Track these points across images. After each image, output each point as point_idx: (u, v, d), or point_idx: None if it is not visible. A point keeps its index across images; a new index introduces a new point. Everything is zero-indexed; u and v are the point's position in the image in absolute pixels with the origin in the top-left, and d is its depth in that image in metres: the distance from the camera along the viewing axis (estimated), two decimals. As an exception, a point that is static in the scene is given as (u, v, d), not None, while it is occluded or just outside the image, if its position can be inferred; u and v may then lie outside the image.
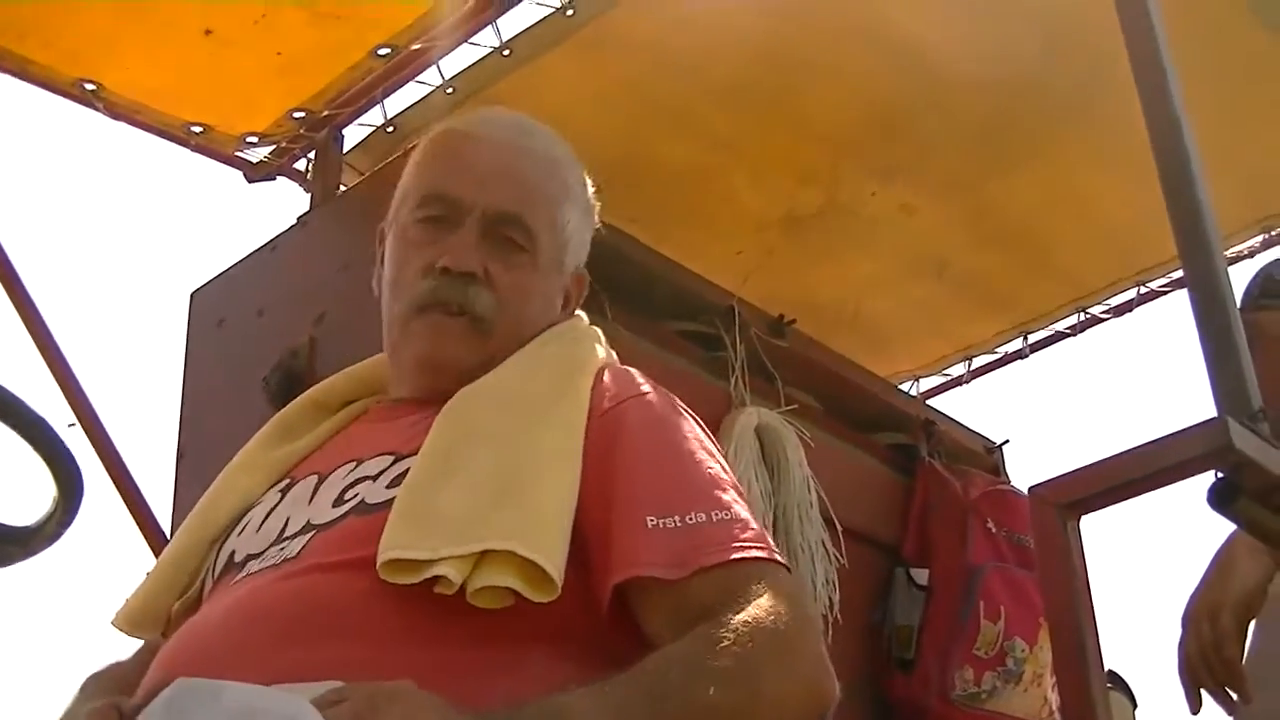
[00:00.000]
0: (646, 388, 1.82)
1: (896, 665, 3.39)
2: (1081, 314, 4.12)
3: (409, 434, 1.79)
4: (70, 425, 2.95)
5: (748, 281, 3.40)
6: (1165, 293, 3.96)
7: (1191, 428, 1.90)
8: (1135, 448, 1.93)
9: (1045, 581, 1.97)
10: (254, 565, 1.72)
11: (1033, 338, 4.21)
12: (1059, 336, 4.19)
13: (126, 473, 3.12)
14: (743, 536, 1.64)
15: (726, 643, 1.50)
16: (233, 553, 1.81)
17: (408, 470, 1.70)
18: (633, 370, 1.88)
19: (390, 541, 1.57)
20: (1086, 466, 1.95)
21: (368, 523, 1.65)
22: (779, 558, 1.65)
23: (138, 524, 3.08)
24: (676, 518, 1.63)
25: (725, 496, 1.69)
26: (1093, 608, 1.91)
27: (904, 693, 3.34)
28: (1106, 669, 3.21)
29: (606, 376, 1.83)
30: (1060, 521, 1.92)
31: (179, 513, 3.02)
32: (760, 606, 1.55)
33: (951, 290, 4.00)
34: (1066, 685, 1.91)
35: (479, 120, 2.01)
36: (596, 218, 2.07)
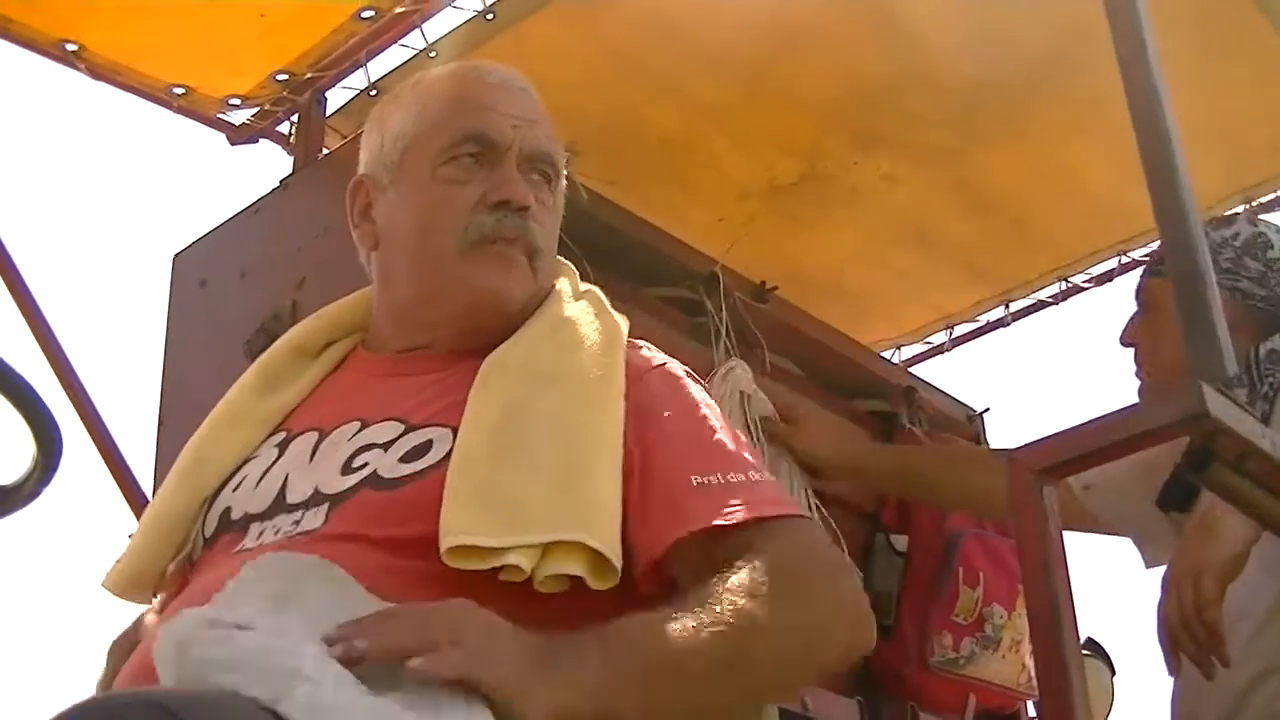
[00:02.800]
0: (663, 358, 1.88)
1: (876, 631, 3.40)
2: (1063, 283, 4.13)
3: (417, 400, 1.79)
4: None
5: (730, 249, 3.41)
6: (1146, 262, 3.96)
7: (1166, 393, 1.91)
8: (1110, 413, 1.94)
9: (1021, 546, 1.98)
10: (263, 531, 1.71)
11: (1014, 306, 4.22)
12: (1041, 305, 4.20)
13: (107, 434, 3.13)
14: (778, 495, 1.71)
15: (784, 573, 1.56)
16: (228, 509, 1.79)
17: (423, 444, 1.70)
18: (643, 342, 1.92)
19: (455, 525, 1.57)
20: (1062, 432, 1.96)
21: (384, 499, 1.65)
22: (810, 514, 1.70)
23: (118, 485, 3.08)
24: (718, 475, 1.68)
25: (754, 461, 1.75)
26: (1068, 572, 1.92)
27: (882, 658, 3.35)
28: (1085, 636, 3.23)
29: (629, 350, 1.86)
30: (1036, 486, 1.93)
31: (161, 474, 3.02)
32: (811, 548, 1.65)
33: (933, 259, 4.01)
34: (1041, 650, 1.92)
35: (484, 69, 2.03)
36: None
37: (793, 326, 3.51)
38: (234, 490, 1.82)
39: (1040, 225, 3.92)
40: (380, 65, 3.35)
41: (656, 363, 1.86)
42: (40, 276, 3.17)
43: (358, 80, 3.37)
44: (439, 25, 3.28)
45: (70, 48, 3.17)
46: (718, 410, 1.83)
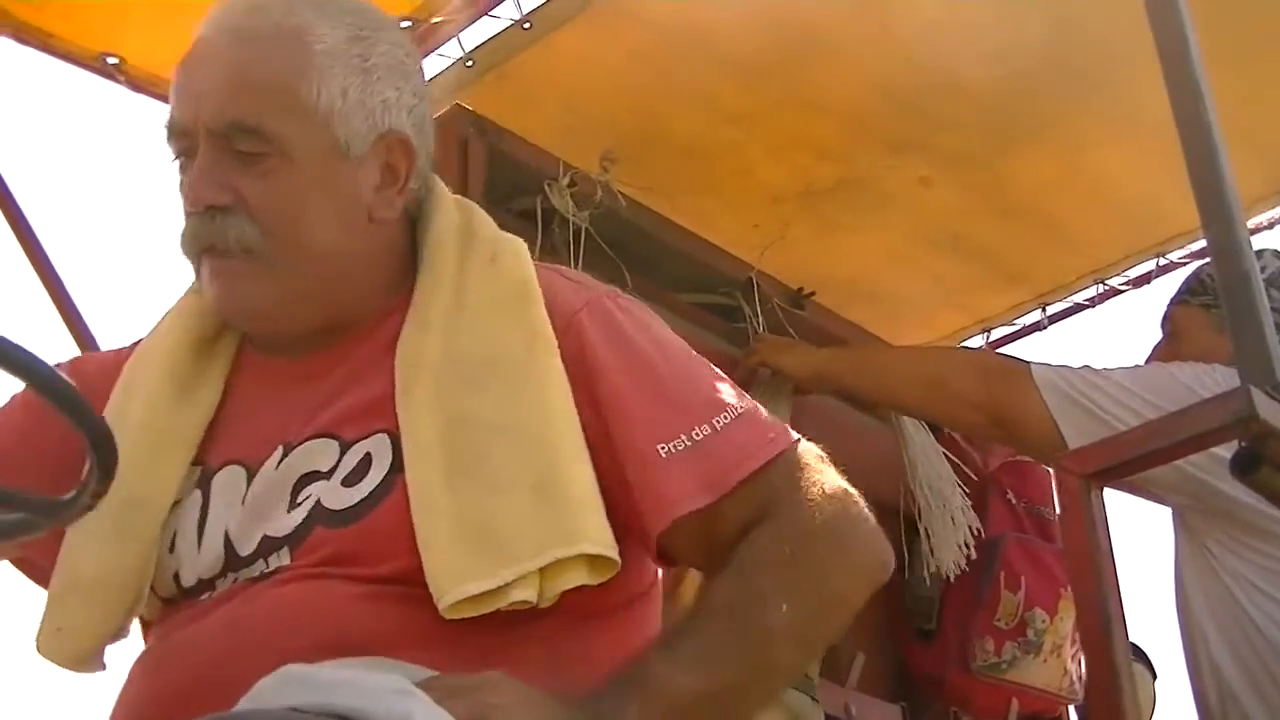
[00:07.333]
0: (587, 293, 1.67)
1: (917, 635, 3.40)
2: (1100, 286, 4.10)
3: (340, 407, 1.62)
4: None
5: (765, 255, 3.41)
6: (1184, 264, 3.93)
7: (1215, 397, 1.91)
8: (1159, 418, 1.94)
9: (1069, 550, 1.99)
10: (225, 586, 1.58)
11: (1051, 309, 4.19)
12: (1078, 308, 4.18)
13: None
14: (752, 435, 1.57)
15: (785, 554, 1.49)
16: (177, 574, 1.63)
17: (363, 460, 1.56)
18: (555, 267, 1.73)
19: (449, 577, 1.45)
20: (1110, 437, 1.97)
21: (342, 537, 1.52)
22: (791, 434, 1.60)
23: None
24: (683, 437, 1.54)
25: (719, 396, 1.60)
26: (1117, 576, 1.92)
27: (924, 662, 3.35)
28: (1126, 639, 3.21)
29: (544, 284, 1.64)
30: (1084, 490, 1.93)
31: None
32: (799, 505, 1.53)
33: (969, 263, 3.99)
34: (1091, 653, 1.92)
35: (210, 18, 1.67)
36: (409, 64, 1.75)
37: (829, 332, 3.52)
38: (171, 551, 1.64)
39: (1077, 228, 3.90)
40: (417, 75, 3.35)
41: (579, 302, 1.64)
42: (83, 286, 3.19)
43: (393, 90, 3.37)
44: (475, 34, 3.29)
45: (111, 61, 3.19)
46: (660, 334, 1.66)
